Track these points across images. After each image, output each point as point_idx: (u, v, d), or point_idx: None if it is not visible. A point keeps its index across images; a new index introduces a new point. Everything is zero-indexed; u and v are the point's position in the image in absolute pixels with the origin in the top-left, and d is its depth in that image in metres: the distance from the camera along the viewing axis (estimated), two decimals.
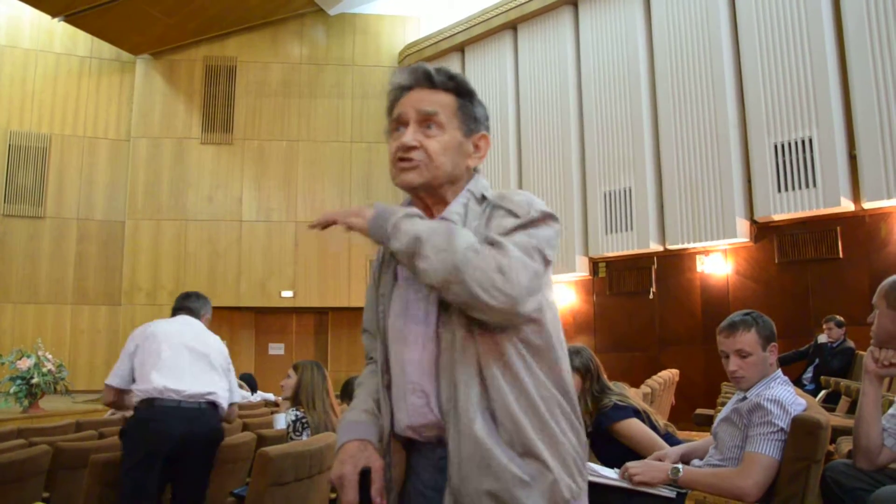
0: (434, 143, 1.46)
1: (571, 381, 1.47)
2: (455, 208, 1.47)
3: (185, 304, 3.94)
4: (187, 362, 3.56)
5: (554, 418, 1.39)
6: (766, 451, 2.30)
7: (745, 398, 2.50)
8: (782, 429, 2.32)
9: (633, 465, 2.49)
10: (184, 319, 3.82)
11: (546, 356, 1.41)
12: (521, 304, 1.30)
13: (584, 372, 3.16)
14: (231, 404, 3.76)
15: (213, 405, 3.56)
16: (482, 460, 1.32)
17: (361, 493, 1.41)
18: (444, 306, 1.40)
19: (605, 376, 3.23)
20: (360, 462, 1.45)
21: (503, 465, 1.32)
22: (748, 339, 2.52)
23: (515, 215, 1.39)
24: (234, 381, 3.82)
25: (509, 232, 1.36)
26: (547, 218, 1.40)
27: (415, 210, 1.40)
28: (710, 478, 2.38)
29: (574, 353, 3.17)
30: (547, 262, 1.38)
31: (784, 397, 2.38)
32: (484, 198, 1.49)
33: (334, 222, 1.42)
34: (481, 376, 1.36)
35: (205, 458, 3.50)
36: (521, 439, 1.34)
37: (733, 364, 2.53)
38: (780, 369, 2.57)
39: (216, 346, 3.79)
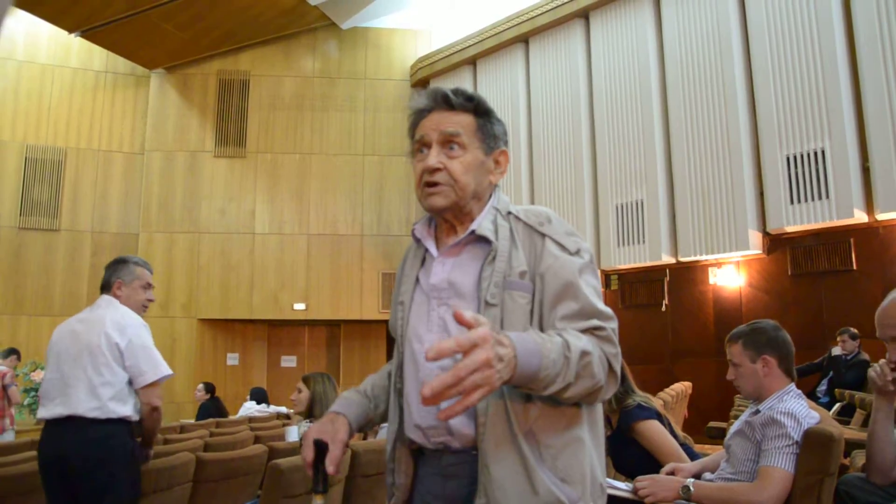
0: (457, 164, 1.51)
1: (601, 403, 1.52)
2: (486, 224, 1.51)
3: (103, 281, 3.40)
4: (59, 381, 3.08)
5: (595, 446, 1.44)
6: (781, 464, 2.28)
7: (758, 411, 2.48)
8: (797, 442, 2.30)
9: (641, 482, 2.47)
10: (91, 308, 3.34)
11: None
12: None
13: None
14: (147, 385, 3.16)
15: (85, 419, 3.01)
16: (530, 478, 1.36)
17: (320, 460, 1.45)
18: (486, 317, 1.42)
19: (630, 378, 3.21)
20: (325, 430, 1.52)
21: (547, 487, 1.35)
22: (733, 350, 2.58)
23: (569, 251, 1.47)
24: (141, 363, 3.16)
25: (579, 280, 1.44)
26: (593, 259, 1.52)
27: (529, 339, 1.26)
28: (725, 492, 2.35)
29: None
30: None
31: (798, 410, 2.37)
32: (509, 213, 1.54)
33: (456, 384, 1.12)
34: (527, 395, 1.39)
35: (88, 479, 2.97)
36: (562, 464, 1.38)
37: (729, 373, 2.60)
38: (793, 383, 2.55)
39: (101, 337, 3.12)
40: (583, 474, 1.40)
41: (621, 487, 2.56)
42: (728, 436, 2.61)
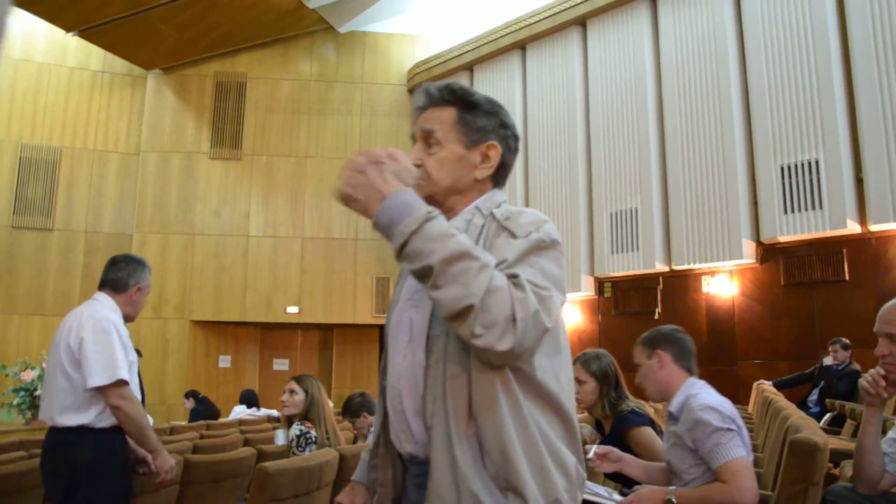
0: (432, 160, 1.52)
1: (573, 410, 1.45)
2: (456, 223, 1.47)
3: (104, 277, 3.12)
4: (47, 384, 2.97)
5: (548, 454, 1.35)
6: (732, 455, 2.32)
7: (673, 417, 2.54)
8: (729, 428, 2.34)
9: (626, 502, 2.48)
10: (80, 308, 3.03)
11: (542, 384, 1.38)
12: (520, 356, 1.30)
13: (602, 378, 3.17)
14: (100, 387, 2.82)
15: (51, 427, 2.92)
16: (458, 487, 1.31)
17: None
18: (438, 314, 1.39)
19: (624, 385, 3.22)
20: (347, 499, 1.71)
21: (478, 497, 1.30)
22: (635, 352, 2.70)
23: (515, 236, 1.38)
24: (91, 363, 2.83)
25: (517, 260, 1.33)
26: (555, 244, 1.40)
27: (427, 213, 1.29)
28: (704, 498, 2.37)
29: (594, 357, 3.19)
30: (557, 309, 1.35)
31: (712, 400, 2.43)
32: (491, 213, 1.49)
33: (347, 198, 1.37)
34: (471, 399, 1.34)
35: (52, 488, 2.89)
36: (506, 473, 1.30)
37: (636, 377, 2.73)
38: (690, 376, 2.62)
39: (62, 340, 2.92)
40: (533, 483, 1.31)
41: (601, 494, 2.56)
42: (665, 452, 2.63)
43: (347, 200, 1.35)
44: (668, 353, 2.60)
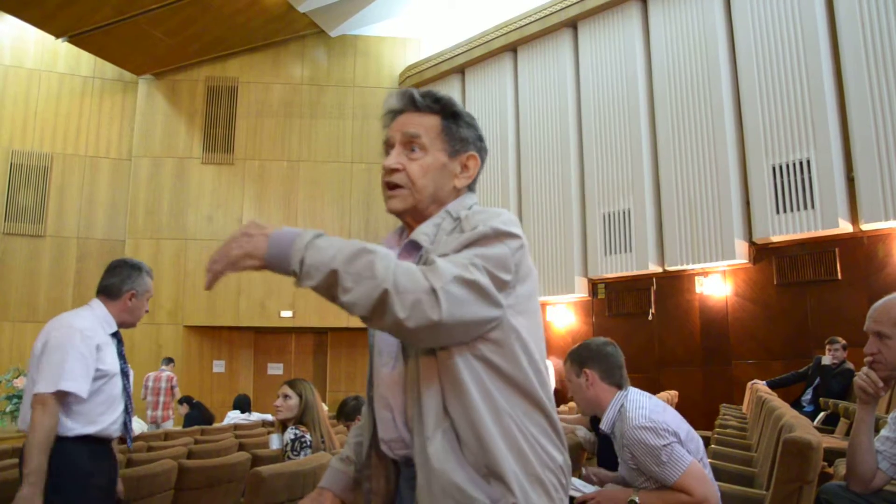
0: (415, 165, 1.50)
1: (551, 398, 1.45)
2: (424, 228, 1.48)
3: (99, 283, 3.02)
4: (25, 391, 2.82)
5: (525, 438, 1.36)
6: (683, 466, 2.32)
7: (614, 436, 2.55)
8: (668, 443, 2.33)
9: (590, 497, 2.51)
10: (65, 314, 2.93)
11: (512, 376, 1.37)
12: (458, 326, 1.27)
13: None
14: (36, 394, 2.66)
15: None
16: (444, 482, 1.32)
17: None
18: None
19: None
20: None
21: (463, 489, 1.31)
22: (565, 368, 2.69)
23: (463, 231, 1.39)
24: (42, 368, 2.69)
25: (454, 251, 1.34)
26: (501, 235, 1.35)
27: (315, 232, 1.33)
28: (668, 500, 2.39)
29: None
30: (497, 281, 1.31)
31: (640, 417, 2.40)
32: (460, 218, 1.47)
33: (222, 273, 1.36)
34: (442, 394, 1.35)
35: None
36: (485, 460, 1.32)
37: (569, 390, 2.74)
38: (619, 390, 2.59)
39: (37, 344, 2.80)
40: (512, 463, 1.33)
41: (578, 487, 2.59)
42: (619, 469, 2.65)
43: (232, 263, 1.35)
44: (596, 372, 2.58)
